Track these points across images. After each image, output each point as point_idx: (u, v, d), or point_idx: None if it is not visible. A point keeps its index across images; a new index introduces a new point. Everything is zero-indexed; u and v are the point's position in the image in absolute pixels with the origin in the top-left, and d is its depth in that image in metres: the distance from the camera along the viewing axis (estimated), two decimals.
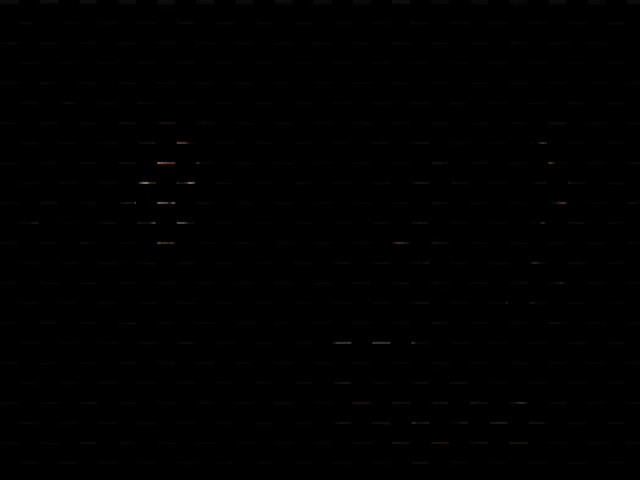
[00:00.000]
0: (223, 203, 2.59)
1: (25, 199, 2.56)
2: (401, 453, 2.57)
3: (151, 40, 2.59)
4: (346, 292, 2.58)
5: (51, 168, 2.56)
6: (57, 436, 2.55)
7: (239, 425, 2.56)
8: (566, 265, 2.58)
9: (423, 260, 2.59)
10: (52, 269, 2.55)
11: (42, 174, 2.56)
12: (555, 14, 2.60)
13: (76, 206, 2.56)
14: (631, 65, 2.59)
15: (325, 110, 2.59)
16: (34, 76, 2.58)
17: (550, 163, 2.58)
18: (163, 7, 2.60)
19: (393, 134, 2.59)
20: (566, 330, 2.58)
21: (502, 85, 2.59)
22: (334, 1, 2.61)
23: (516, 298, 2.58)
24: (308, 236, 2.58)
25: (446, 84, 2.60)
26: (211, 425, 2.56)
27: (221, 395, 2.56)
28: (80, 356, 2.55)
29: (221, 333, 2.57)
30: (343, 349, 2.59)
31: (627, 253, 2.57)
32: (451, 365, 2.57)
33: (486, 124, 2.59)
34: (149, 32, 2.59)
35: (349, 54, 2.60)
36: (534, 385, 2.58)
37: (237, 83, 2.60)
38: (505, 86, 2.59)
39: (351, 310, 2.59)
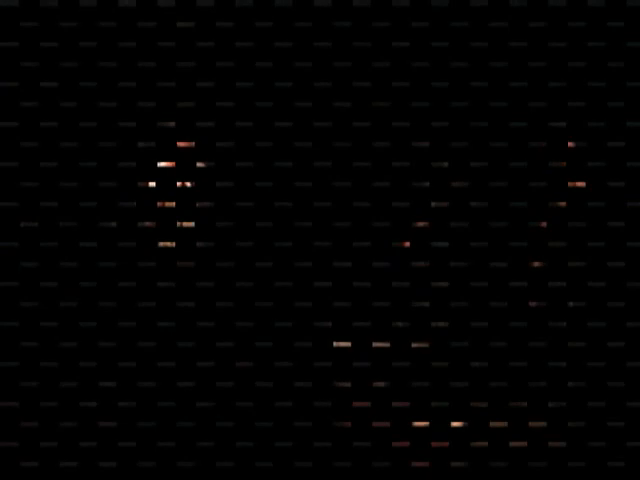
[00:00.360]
0: (223, 204, 2.59)
1: (25, 200, 2.56)
2: (401, 454, 2.57)
3: (151, 42, 2.59)
4: (346, 293, 2.58)
5: (51, 169, 2.57)
6: (57, 437, 2.55)
7: (239, 426, 2.56)
8: (566, 267, 2.58)
9: (423, 261, 2.59)
10: (52, 270, 2.56)
11: (42, 175, 2.56)
12: (555, 16, 2.60)
13: (76, 207, 2.57)
14: (631, 66, 2.59)
15: (325, 111, 2.59)
16: (34, 77, 2.58)
17: (550, 164, 2.59)
18: (163, 9, 2.60)
19: (393, 135, 2.59)
20: (566, 331, 2.58)
21: (502, 86, 2.60)
22: (334, 3, 2.61)
23: (516, 299, 2.58)
24: (308, 237, 2.58)
25: (446, 86, 2.60)
26: (211, 426, 2.55)
27: (221, 396, 2.56)
28: (80, 357, 2.55)
29: (221, 334, 2.57)
30: (343, 351, 2.59)
31: (627, 254, 2.57)
32: (451, 366, 2.57)
33: (486, 125, 2.59)
34: (149, 34, 2.59)
35: (349, 55, 2.60)
36: (534, 387, 2.58)
37: (237, 84, 2.60)
38: (505, 87, 2.59)
39: (351, 312, 2.59)
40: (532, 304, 2.58)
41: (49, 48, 2.58)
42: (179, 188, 2.57)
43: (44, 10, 2.59)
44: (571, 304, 2.57)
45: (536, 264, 2.58)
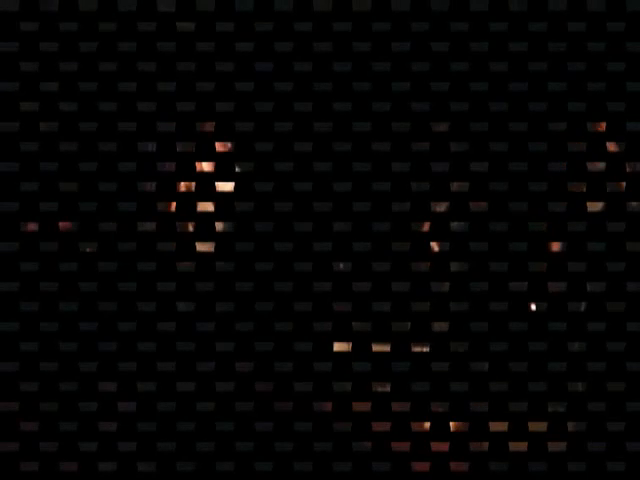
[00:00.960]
0: (223, 206, 2.59)
1: (25, 202, 2.57)
2: (400, 457, 2.57)
3: (151, 45, 2.59)
4: (346, 296, 2.58)
5: (51, 172, 2.57)
6: (57, 439, 2.55)
7: (238, 428, 2.55)
8: (566, 269, 2.59)
9: (423, 263, 2.60)
10: (52, 272, 2.56)
11: (42, 177, 2.57)
12: (555, 20, 2.61)
13: (76, 209, 2.57)
14: (631, 70, 2.60)
15: (325, 114, 2.59)
16: (34, 81, 2.58)
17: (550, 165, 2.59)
18: (163, 13, 2.61)
19: (393, 137, 2.59)
20: (566, 334, 2.58)
21: (502, 89, 2.60)
22: (334, 7, 2.61)
23: (516, 302, 2.58)
24: (308, 239, 2.58)
25: (446, 89, 2.60)
26: (211, 429, 2.55)
27: (221, 399, 2.56)
28: (80, 359, 2.55)
29: (221, 336, 2.57)
30: (342, 354, 2.59)
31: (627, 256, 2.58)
32: (451, 368, 2.57)
33: (486, 128, 2.60)
34: (149, 38, 2.60)
35: (349, 58, 2.60)
36: (534, 390, 2.57)
37: (237, 88, 2.60)
38: (505, 90, 2.60)
39: (351, 314, 2.59)
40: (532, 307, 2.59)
41: (49, 51, 2.58)
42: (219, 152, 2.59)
43: (44, 14, 2.60)
44: (582, 307, 2.57)
45: (537, 266, 2.58)
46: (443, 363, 2.57)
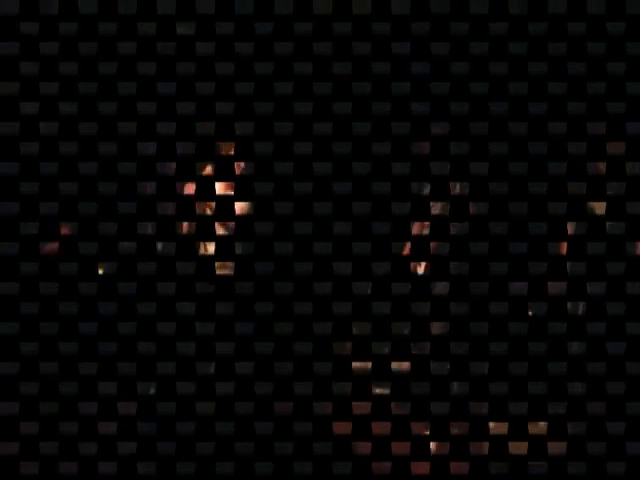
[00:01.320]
0: (223, 207, 2.59)
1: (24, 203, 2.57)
2: (400, 460, 2.56)
3: (151, 48, 2.60)
4: (346, 298, 2.58)
5: (51, 174, 2.57)
6: (57, 440, 2.55)
7: (238, 430, 2.55)
8: (566, 270, 2.59)
9: (423, 265, 2.60)
10: (52, 274, 2.56)
11: (42, 179, 2.57)
12: (555, 23, 2.61)
13: (75, 210, 2.57)
14: (631, 72, 2.60)
15: (325, 115, 2.60)
16: (34, 83, 2.58)
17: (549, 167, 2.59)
18: (163, 16, 2.61)
19: (392, 140, 2.59)
20: (566, 335, 2.58)
21: (502, 92, 2.60)
22: (334, 10, 2.62)
23: (516, 303, 2.58)
24: (309, 241, 2.58)
25: (446, 91, 2.60)
26: (211, 430, 2.55)
27: (220, 400, 2.56)
28: (79, 360, 2.55)
29: (220, 338, 2.57)
30: (343, 356, 2.59)
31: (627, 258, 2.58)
32: (451, 369, 2.57)
33: (486, 130, 2.60)
34: (149, 40, 2.60)
35: (349, 62, 2.61)
36: (534, 392, 2.57)
37: (237, 91, 2.60)
38: (505, 93, 2.60)
39: (351, 317, 2.59)
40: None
41: (49, 53, 2.59)
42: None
43: (44, 15, 2.60)
44: (582, 309, 2.57)
45: (536, 267, 2.58)
46: (443, 364, 2.57)
